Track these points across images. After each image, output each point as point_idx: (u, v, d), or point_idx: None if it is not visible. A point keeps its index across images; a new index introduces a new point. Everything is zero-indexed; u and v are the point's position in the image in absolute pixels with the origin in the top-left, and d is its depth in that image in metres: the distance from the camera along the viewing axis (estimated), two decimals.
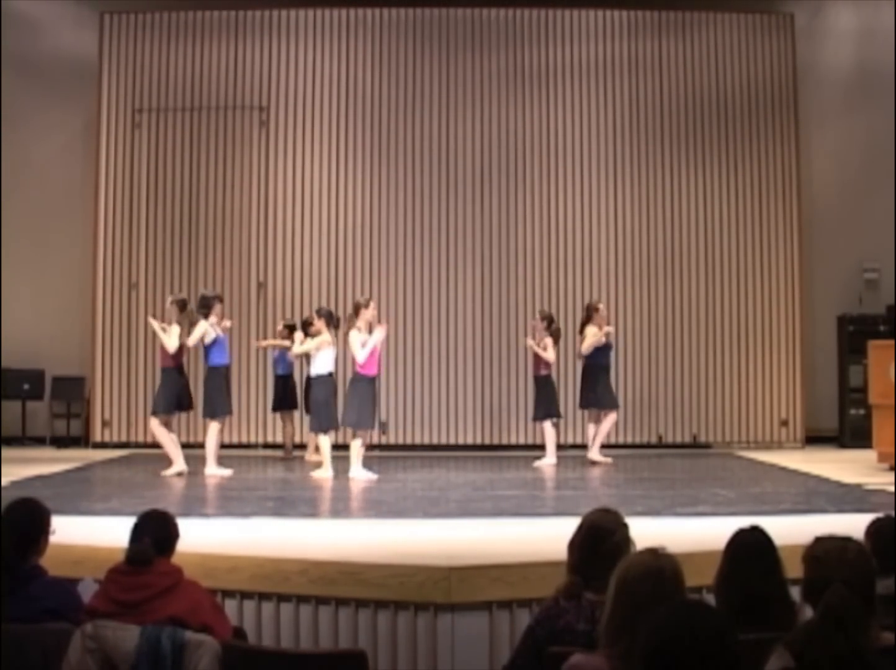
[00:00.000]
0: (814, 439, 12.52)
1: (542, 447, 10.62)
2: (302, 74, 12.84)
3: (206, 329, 9.46)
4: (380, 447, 11.84)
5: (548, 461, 10.29)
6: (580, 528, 3.44)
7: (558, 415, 10.72)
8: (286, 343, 10.75)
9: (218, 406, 9.60)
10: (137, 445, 12.10)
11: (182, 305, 9.67)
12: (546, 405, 10.44)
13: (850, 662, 2.29)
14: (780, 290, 12.65)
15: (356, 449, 9.28)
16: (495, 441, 12.37)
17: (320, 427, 9.48)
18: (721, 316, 12.66)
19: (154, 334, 9.91)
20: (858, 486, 8.25)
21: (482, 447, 12.22)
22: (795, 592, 3.22)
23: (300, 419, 11.13)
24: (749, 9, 12.97)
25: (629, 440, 12.30)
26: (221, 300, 10.06)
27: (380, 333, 9.32)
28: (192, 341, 9.56)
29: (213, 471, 9.39)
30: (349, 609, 4.75)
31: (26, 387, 12.59)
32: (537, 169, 12.72)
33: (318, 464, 9.50)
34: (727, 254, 12.70)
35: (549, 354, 10.32)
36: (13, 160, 12.62)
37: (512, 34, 12.88)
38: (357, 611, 4.73)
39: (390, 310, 12.25)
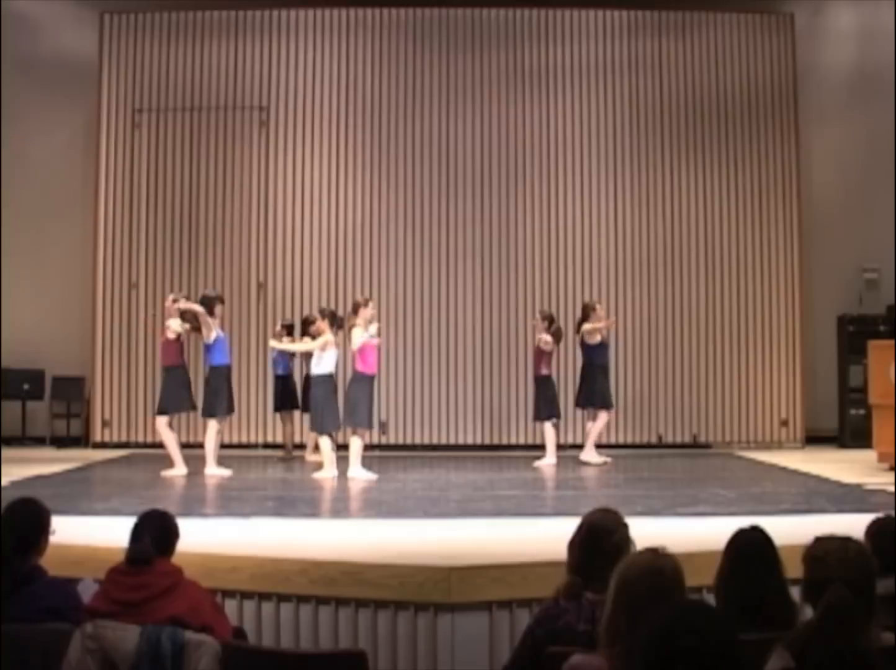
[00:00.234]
0: (814, 439, 12.51)
1: (542, 447, 10.62)
2: (302, 74, 12.84)
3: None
4: (380, 447, 11.83)
5: (548, 461, 10.30)
6: (580, 528, 3.44)
7: (558, 416, 10.74)
8: (294, 347, 10.63)
9: (217, 405, 9.60)
10: (137, 445, 12.11)
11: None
12: (547, 405, 10.46)
13: (850, 662, 2.28)
14: (780, 290, 12.65)
15: (355, 448, 9.29)
16: (495, 441, 12.36)
17: (321, 428, 9.48)
18: (721, 316, 12.66)
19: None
20: (858, 486, 8.25)
21: (482, 447, 12.22)
22: (795, 592, 3.22)
23: (300, 419, 11.14)
24: (749, 9, 12.96)
25: (629, 440, 12.30)
26: (223, 300, 10.07)
27: (375, 328, 9.41)
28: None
29: (213, 471, 9.38)
30: (349, 609, 4.75)
31: (26, 387, 12.59)
32: (537, 168, 12.71)
33: (318, 464, 9.50)
34: (727, 254, 12.70)
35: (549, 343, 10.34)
36: (13, 160, 12.60)
37: (512, 34, 12.88)
38: (357, 611, 4.73)
39: (390, 310, 12.26)
